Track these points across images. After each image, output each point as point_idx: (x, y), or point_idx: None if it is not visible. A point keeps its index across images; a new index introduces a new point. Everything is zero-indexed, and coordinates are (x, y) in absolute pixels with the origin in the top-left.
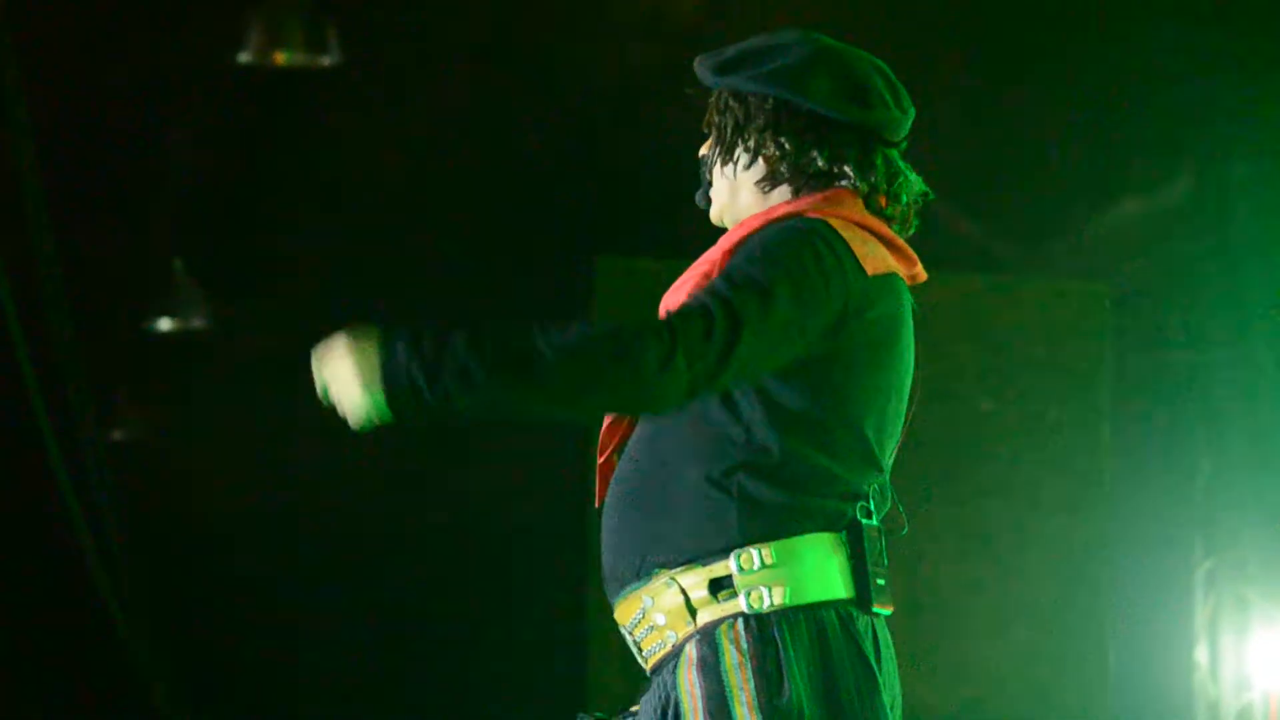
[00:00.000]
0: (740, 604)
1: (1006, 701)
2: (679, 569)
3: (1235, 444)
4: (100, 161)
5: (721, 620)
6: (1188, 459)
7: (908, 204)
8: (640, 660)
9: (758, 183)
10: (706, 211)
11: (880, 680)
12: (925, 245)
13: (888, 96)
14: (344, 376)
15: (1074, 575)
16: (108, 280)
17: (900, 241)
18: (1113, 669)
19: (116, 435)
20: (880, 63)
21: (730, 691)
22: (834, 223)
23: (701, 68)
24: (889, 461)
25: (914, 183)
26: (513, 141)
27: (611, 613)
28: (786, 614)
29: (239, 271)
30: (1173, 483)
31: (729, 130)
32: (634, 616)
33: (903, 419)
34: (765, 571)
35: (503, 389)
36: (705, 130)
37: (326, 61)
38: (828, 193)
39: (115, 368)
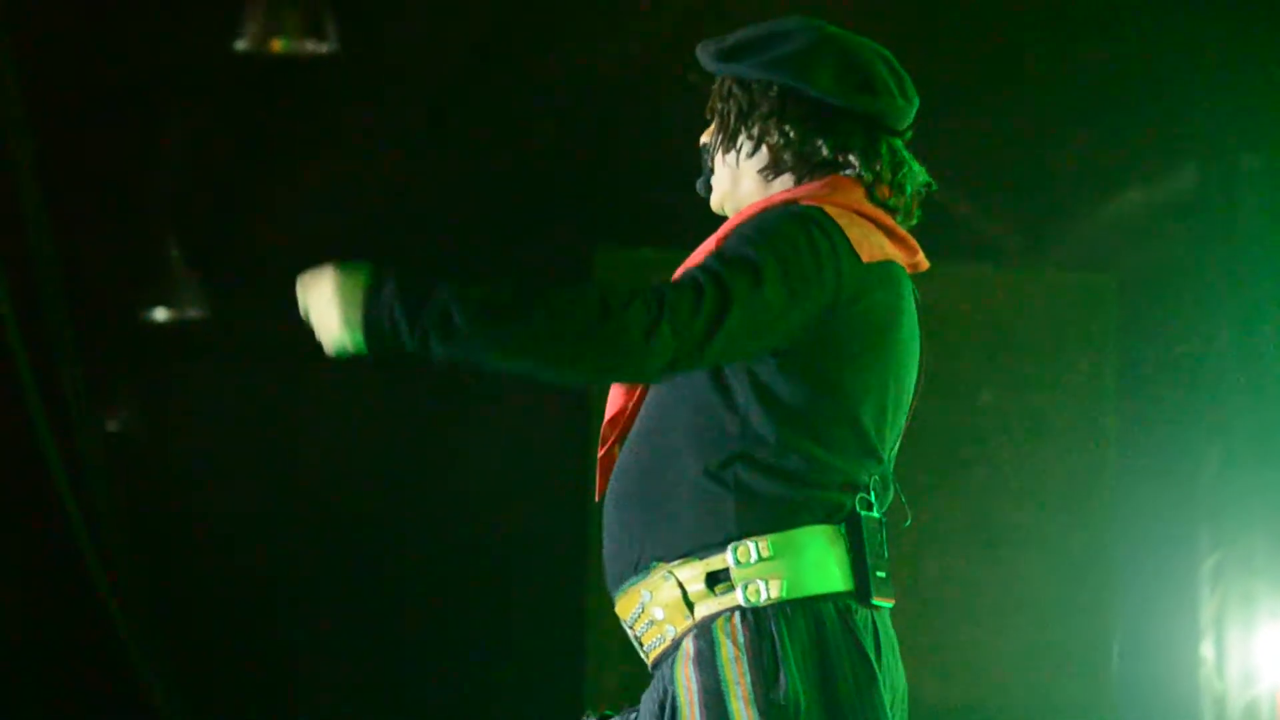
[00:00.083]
0: (737, 597)
1: (1010, 697)
2: (676, 562)
3: (1242, 436)
4: (96, 151)
5: (718, 614)
6: (1194, 451)
7: (912, 194)
8: (642, 655)
9: (760, 171)
10: (706, 200)
11: (879, 674)
12: (929, 235)
13: (892, 85)
14: (326, 307)
15: (1078, 569)
16: (104, 270)
17: (901, 230)
18: (1117, 664)
19: (112, 426)
20: (884, 50)
21: (726, 686)
22: (830, 209)
23: (704, 54)
24: (891, 452)
25: (918, 173)
26: (511, 131)
27: (613, 608)
28: (784, 607)
29: (236, 261)
30: (1178, 475)
31: (732, 118)
32: (634, 611)
33: (905, 409)
34: (762, 564)
35: (484, 341)
36: (708, 118)
37: (324, 49)
38: (828, 179)
39: (111, 358)
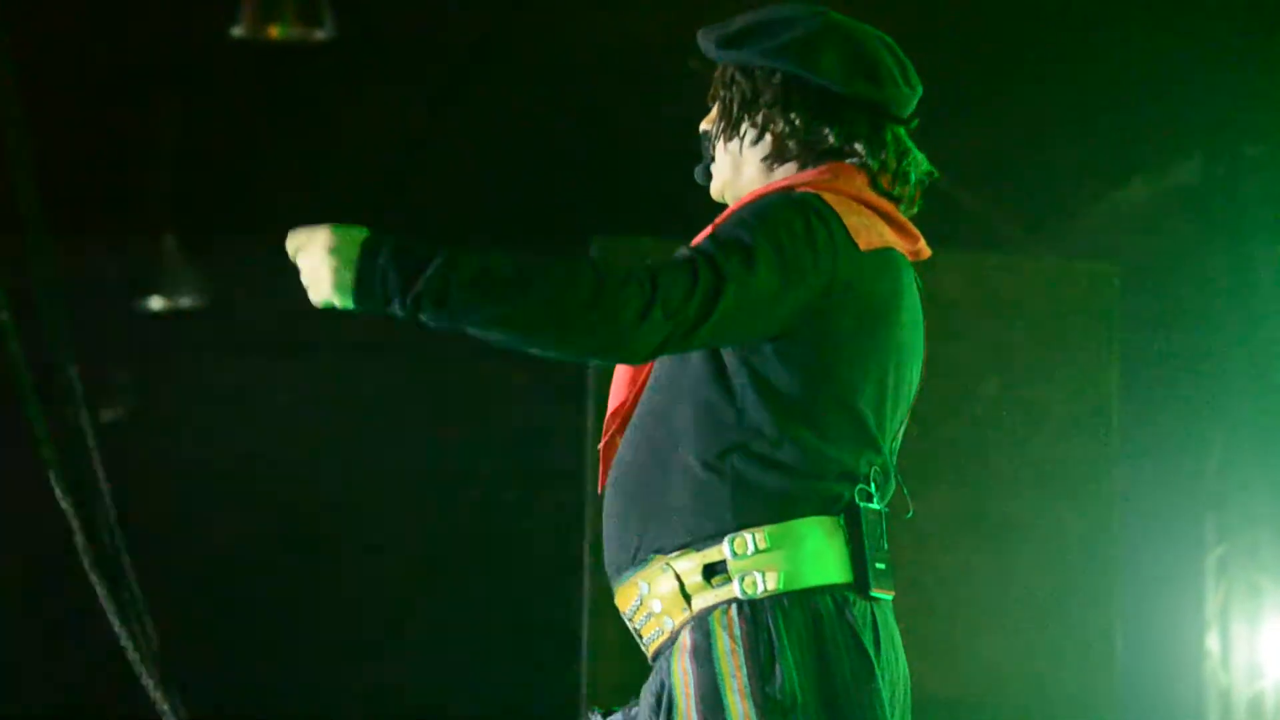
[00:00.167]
0: (734, 589)
1: (1011, 690)
2: (674, 554)
3: (1247, 427)
4: (92, 137)
5: (715, 606)
6: (1198, 442)
7: (915, 183)
8: (642, 648)
9: (764, 159)
10: (705, 188)
11: (877, 667)
12: (931, 223)
13: (896, 72)
14: (319, 263)
15: (1081, 561)
16: (99, 258)
17: (901, 217)
18: (1121, 657)
19: (107, 414)
20: (887, 38)
21: (722, 679)
22: (827, 196)
23: (705, 41)
24: (893, 443)
25: (921, 161)
26: (510, 118)
27: (613, 599)
28: (781, 600)
29: (232, 249)
30: (1183, 466)
31: (735, 105)
32: (632, 603)
33: (906, 398)
34: (759, 556)
35: (476, 314)
36: (709, 105)
37: (321, 35)
38: (829, 166)
39: (106, 346)
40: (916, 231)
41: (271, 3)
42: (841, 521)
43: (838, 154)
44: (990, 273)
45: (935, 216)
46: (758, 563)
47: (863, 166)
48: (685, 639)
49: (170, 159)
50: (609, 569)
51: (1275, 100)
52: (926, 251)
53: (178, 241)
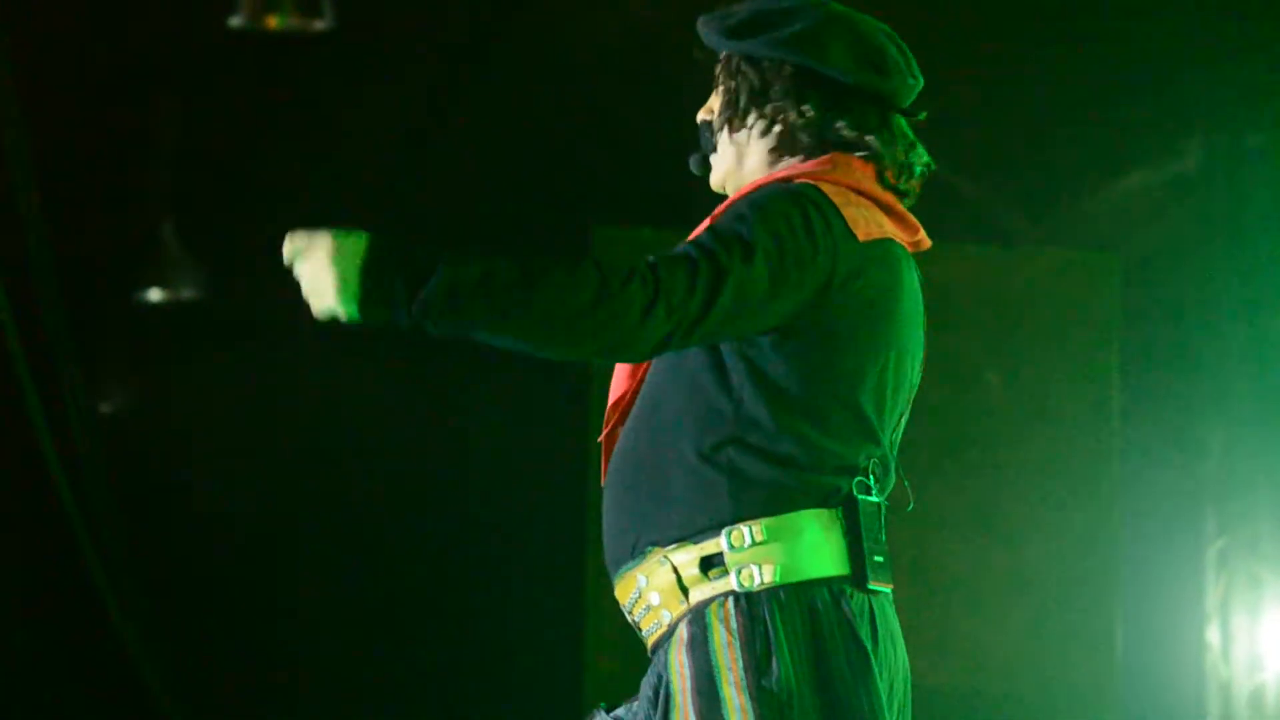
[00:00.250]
0: (731, 582)
1: (1013, 682)
2: (671, 547)
3: (1248, 419)
4: (89, 129)
5: (712, 599)
6: (1199, 434)
7: (919, 175)
8: (641, 640)
9: (771, 150)
10: (704, 179)
11: (874, 660)
12: (932, 214)
13: (901, 64)
14: (320, 273)
15: (1082, 553)
16: (97, 250)
17: (901, 208)
18: (1122, 649)
19: (106, 408)
20: (889, 29)
21: (718, 671)
22: (824, 187)
23: (708, 30)
24: (893, 435)
25: (922, 153)
26: (510, 110)
27: (613, 592)
28: (777, 592)
29: (230, 241)
30: (1184, 458)
31: (743, 96)
32: (631, 596)
33: (906, 390)
34: (756, 549)
35: (482, 321)
36: (710, 94)
37: (320, 25)
38: (829, 157)
39: (104, 339)
40: (916, 222)
41: None
42: (839, 514)
43: (849, 146)
44: (991, 264)
45: (936, 208)
46: (754, 555)
47: (872, 158)
48: (682, 631)
49: (170, 158)
50: (608, 561)
51: (1276, 90)
52: (927, 242)
53: (176, 237)
